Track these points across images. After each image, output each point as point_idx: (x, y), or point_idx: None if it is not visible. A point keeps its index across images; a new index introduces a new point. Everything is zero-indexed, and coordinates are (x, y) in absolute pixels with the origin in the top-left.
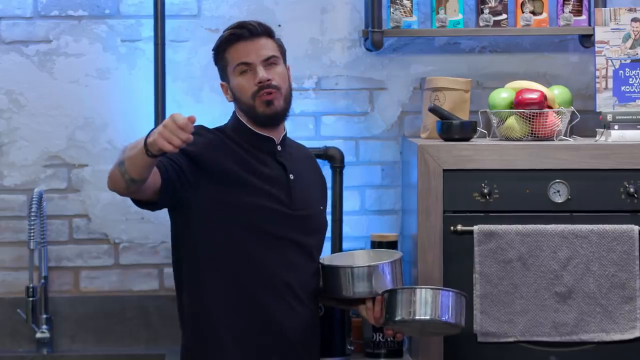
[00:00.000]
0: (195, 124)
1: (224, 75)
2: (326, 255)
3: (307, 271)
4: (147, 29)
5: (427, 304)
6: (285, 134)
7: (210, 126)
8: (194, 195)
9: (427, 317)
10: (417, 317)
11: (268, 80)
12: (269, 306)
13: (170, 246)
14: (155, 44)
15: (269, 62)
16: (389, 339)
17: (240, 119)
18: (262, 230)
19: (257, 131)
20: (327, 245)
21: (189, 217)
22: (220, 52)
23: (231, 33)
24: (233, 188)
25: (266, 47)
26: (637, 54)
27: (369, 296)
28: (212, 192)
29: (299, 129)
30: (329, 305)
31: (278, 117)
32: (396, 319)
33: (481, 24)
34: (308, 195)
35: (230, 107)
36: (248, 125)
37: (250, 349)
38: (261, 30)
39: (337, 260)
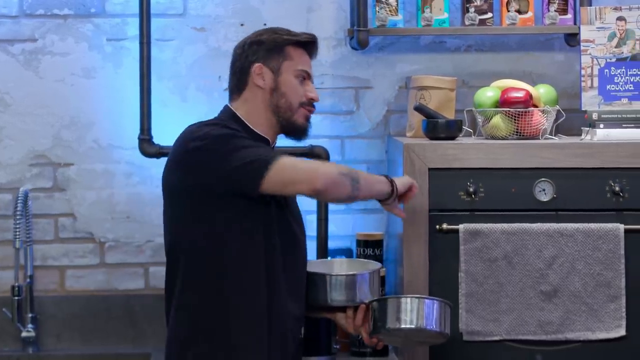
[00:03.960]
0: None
1: (272, 64)
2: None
3: (302, 270)
4: (133, 27)
5: (412, 312)
6: None
7: None
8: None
9: (413, 326)
10: (403, 326)
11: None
12: (285, 314)
13: (154, 245)
14: (141, 43)
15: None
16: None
17: (240, 116)
18: (270, 236)
19: (256, 131)
20: (312, 245)
21: (214, 228)
22: (285, 44)
23: (308, 39)
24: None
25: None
26: (622, 52)
27: (346, 304)
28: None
29: None
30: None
31: (305, 133)
32: (387, 326)
33: (467, 22)
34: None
35: (217, 106)
36: (248, 124)
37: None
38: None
39: (315, 267)
